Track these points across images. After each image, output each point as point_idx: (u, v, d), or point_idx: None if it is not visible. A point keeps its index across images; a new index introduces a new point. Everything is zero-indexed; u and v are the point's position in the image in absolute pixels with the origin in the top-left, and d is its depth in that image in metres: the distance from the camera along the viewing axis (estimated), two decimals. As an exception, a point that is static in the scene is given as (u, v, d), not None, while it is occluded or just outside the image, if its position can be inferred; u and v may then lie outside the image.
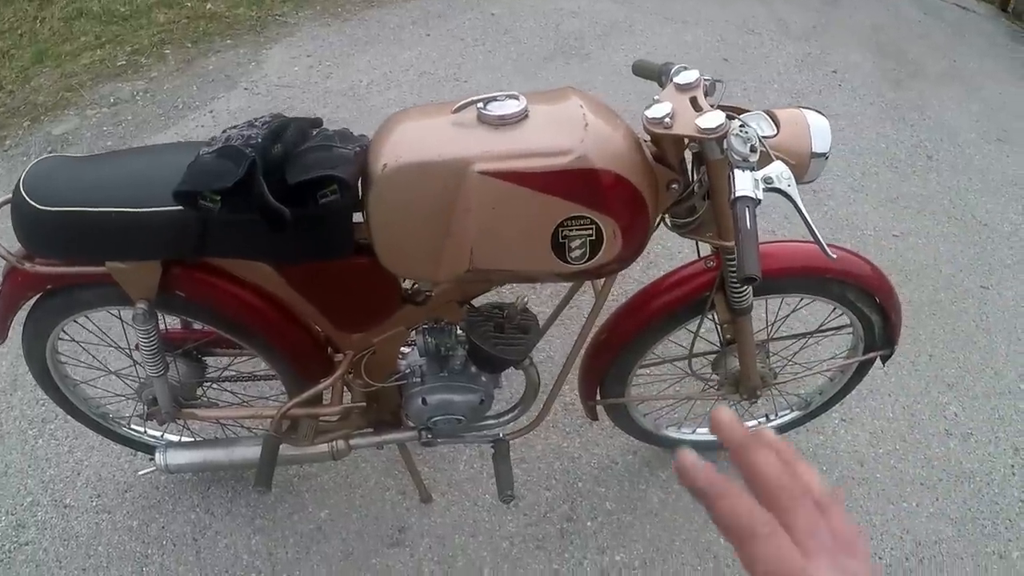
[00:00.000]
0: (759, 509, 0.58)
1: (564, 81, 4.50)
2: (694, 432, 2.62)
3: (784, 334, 2.34)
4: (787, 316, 2.30)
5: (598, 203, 1.54)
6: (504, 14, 5.31)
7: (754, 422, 2.61)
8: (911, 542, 2.46)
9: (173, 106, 4.42)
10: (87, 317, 2.03)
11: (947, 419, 2.83)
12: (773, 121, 1.71)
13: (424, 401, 2.02)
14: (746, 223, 1.41)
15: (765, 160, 1.52)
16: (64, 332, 2.07)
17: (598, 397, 2.30)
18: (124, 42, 5.01)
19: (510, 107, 1.54)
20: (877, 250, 3.47)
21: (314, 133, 1.67)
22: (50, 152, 3.99)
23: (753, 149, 1.49)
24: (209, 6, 5.33)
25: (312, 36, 5.07)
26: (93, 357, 2.34)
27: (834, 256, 1.60)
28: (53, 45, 4.99)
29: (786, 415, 2.59)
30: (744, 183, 1.45)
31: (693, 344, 2.15)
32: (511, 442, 2.26)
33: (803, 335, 2.34)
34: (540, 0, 5.48)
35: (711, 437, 2.58)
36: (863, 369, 2.37)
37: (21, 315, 1.99)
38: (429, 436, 2.17)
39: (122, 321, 2.11)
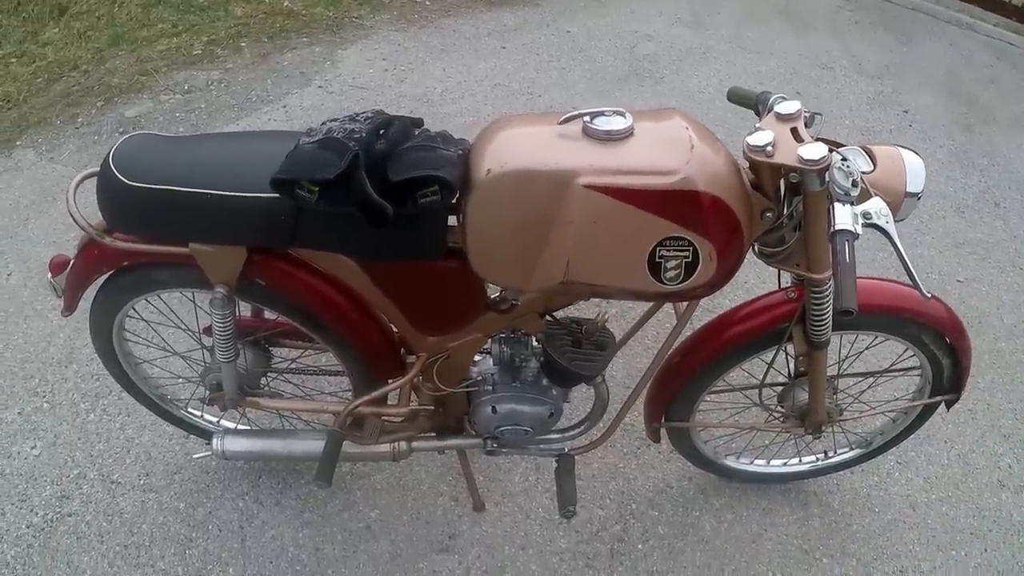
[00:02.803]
0: None
1: (638, 103, 4.49)
2: (751, 463, 2.59)
3: (853, 371, 2.31)
4: (860, 353, 2.27)
5: (698, 225, 1.53)
6: (580, 33, 5.30)
7: (812, 457, 2.58)
8: (958, 593, 2.42)
9: (247, 98, 4.46)
10: (159, 296, 2.04)
11: (1001, 470, 2.78)
12: (869, 157, 1.70)
13: (494, 410, 2.01)
14: (845, 257, 1.42)
15: (863, 196, 1.52)
16: (134, 310, 2.08)
17: (663, 420, 2.28)
18: (201, 32, 5.05)
19: (617, 123, 1.54)
20: (940, 295, 3.41)
21: (416, 132, 1.67)
22: (121, 132, 4.03)
23: (855, 184, 1.49)
24: (286, 3, 5.37)
25: (388, 40, 5.09)
26: (160, 336, 2.35)
27: (929, 296, 1.58)
28: (130, 30, 5.05)
29: (845, 453, 2.55)
30: (844, 217, 1.45)
31: (766, 374, 2.13)
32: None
33: (873, 373, 2.31)
34: (616, 22, 5.47)
35: (767, 469, 2.58)
36: (927, 413, 2.34)
37: (90, 291, 2.01)
38: (494, 445, 2.16)
39: (195, 303, 2.12)
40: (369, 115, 1.62)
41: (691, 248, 1.56)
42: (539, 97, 4.61)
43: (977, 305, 3.46)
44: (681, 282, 1.61)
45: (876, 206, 1.50)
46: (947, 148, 4.54)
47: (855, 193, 1.48)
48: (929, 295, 1.59)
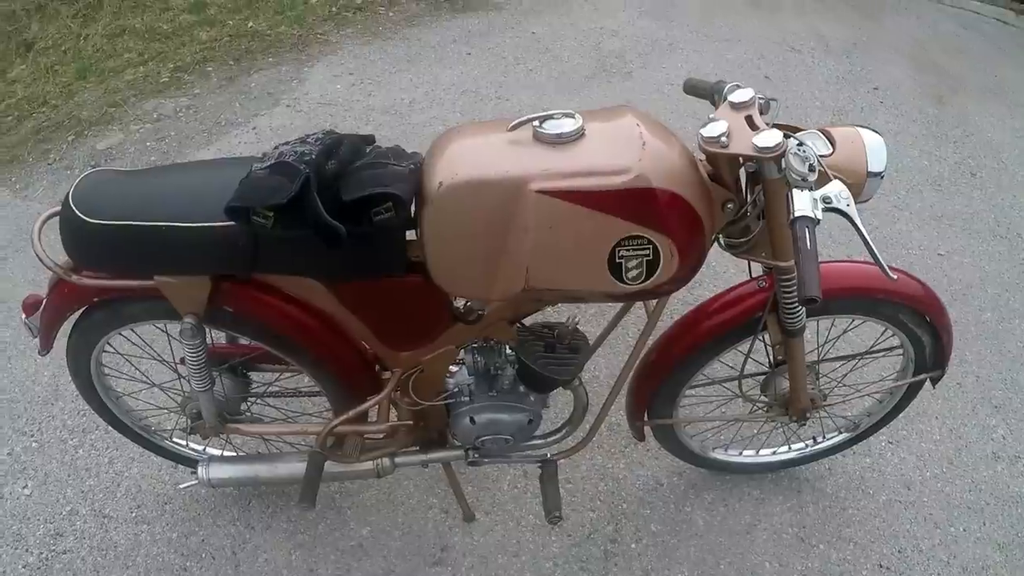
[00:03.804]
0: None
1: (607, 100, 4.49)
2: (740, 454, 2.59)
3: (834, 355, 2.30)
4: (838, 338, 2.27)
5: (656, 223, 1.52)
6: (545, 33, 5.30)
7: (801, 444, 2.58)
8: (958, 568, 2.41)
9: (216, 122, 4.45)
10: (132, 330, 2.02)
11: (994, 441, 2.78)
12: (828, 140, 1.69)
13: (472, 420, 2.00)
14: (806, 243, 1.40)
15: (822, 180, 1.51)
16: (109, 344, 2.07)
17: (646, 418, 2.27)
18: (167, 59, 5.03)
19: (567, 125, 1.53)
20: (922, 269, 3.42)
21: (367, 150, 1.66)
22: (94, 166, 4.01)
23: (812, 168, 1.48)
24: (251, 24, 5.36)
25: (354, 55, 5.08)
26: (137, 370, 2.34)
27: (894, 277, 1.58)
28: (97, 61, 5.03)
29: (833, 437, 2.55)
30: (803, 203, 1.44)
31: (744, 365, 2.12)
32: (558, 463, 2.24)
33: (853, 356, 2.30)
34: (580, 19, 5.48)
35: (756, 459, 2.57)
36: (913, 391, 2.33)
37: (66, 327, 1.99)
38: (476, 456, 2.16)
39: (168, 335, 2.11)
40: (319, 136, 1.61)
41: (651, 246, 1.55)
42: (507, 101, 4.61)
43: (960, 277, 3.46)
44: (644, 281, 1.60)
45: (835, 189, 1.48)
46: (920, 122, 4.55)
47: (813, 178, 1.47)
48: (894, 275, 1.58)
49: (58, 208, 1.73)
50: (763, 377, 2.25)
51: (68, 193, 1.69)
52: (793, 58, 5.15)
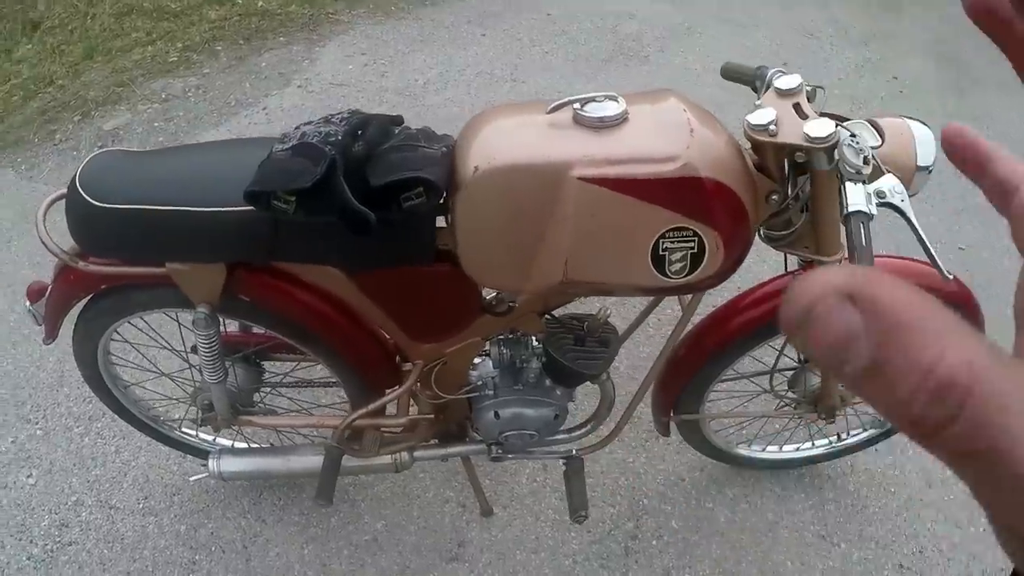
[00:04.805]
0: None
1: (625, 84, 4.42)
2: (764, 450, 2.53)
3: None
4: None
5: (703, 214, 1.45)
6: (561, 15, 5.23)
7: (825, 440, 2.53)
8: (977, 569, 2.37)
9: (225, 103, 4.38)
10: (141, 318, 1.96)
11: (1015, 441, 2.72)
12: (876, 131, 1.62)
13: (496, 415, 1.94)
14: (861, 240, 1.36)
15: (874, 173, 1.45)
16: (117, 333, 2.01)
17: (672, 414, 2.21)
18: (175, 38, 4.97)
19: (610, 108, 1.45)
20: (944, 263, 3.35)
21: (396, 131, 1.59)
22: (100, 147, 3.95)
23: (866, 161, 1.41)
24: (261, 3, 5.29)
25: (366, 34, 5.01)
26: (145, 358, 2.28)
27: (951, 277, 1.52)
28: (104, 41, 4.97)
29: (858, 434, 2.49)
30: (857, 197, 1.39)
31: (777, 361, 2.06)
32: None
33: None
34: (596, 1, 5.40)
35: (780, 456, 2.52)
36: (941, 390, 2.26)
37: (73, 313, 1.94)
38: (499, 451, 2.09)
39: (179, 323, 2.05)
40: (345, 116, 1.54)
41: (696, 238, 1.48)
42: (523, 83, 4.55)
43: (982, 271, 3.40)
44: (687, 275, 1.53)
45: (890, 183, 1.43)
46: (941, 114, 4.49)
47: (867, 171, 1.41)
48: (950, 276, 1.52)
49: (64, 191, 1.67)
50: (792, 373, 2.20)
51: (75, 175, 1.63)
52: (812, 45, 5.10)
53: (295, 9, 5.26)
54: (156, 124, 4.21)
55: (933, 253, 1.42)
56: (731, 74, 1.83)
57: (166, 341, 2.21)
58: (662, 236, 1.47)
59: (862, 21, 5.42)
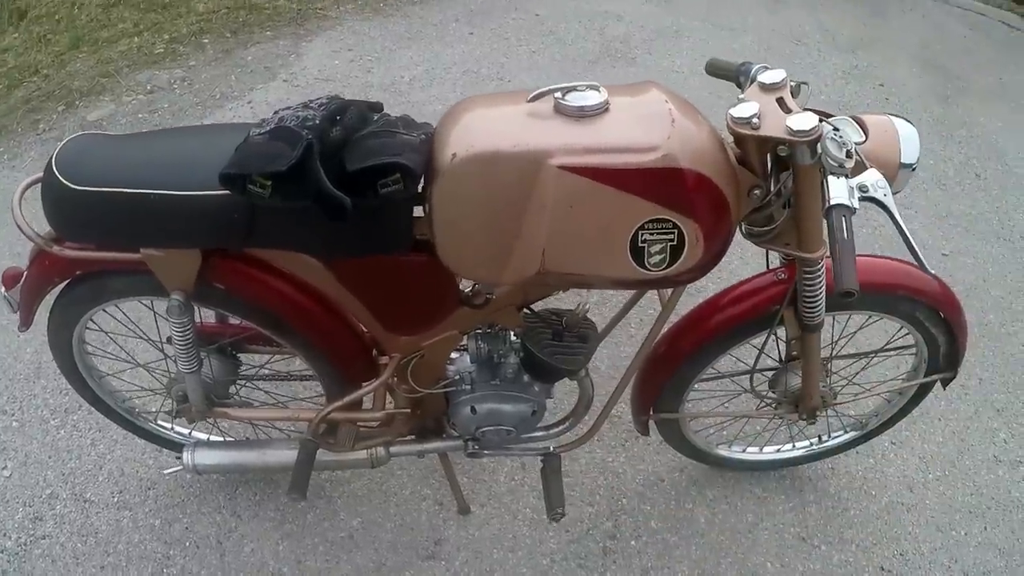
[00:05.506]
0: None
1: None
2: (744, 451, 2.52)
3: (847, 352, 2.23)
4: (853, 335, 2.20)
5: (683, 205, 1.44)
6: (548, 15, 5.24)
7: (806, 442, 2.51)
8: (959, 572, 2.36)
9: (211, 95, 4.36)
10: (117, 306, 1.94)
11: (996, 445, 2.74)
12: (860, 127, 1.62)
13: (473, 410, 1.92)
14: (843, 233, 1.36)
15: (857, 168, 1.45)
16: (92, 321, 1.99)
17: (651, 412, 2.20)
18: (162, 30, 4.95)
19: (591, 98, 1.45)
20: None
21: (375, 117, 1.57)
22: (82, 135, 3.93)
23: (849, 155, 1.41)
24: (249, -4, 5.28)
25: (353, 31, 5.01)
26: (122, 348, 2.26)
27: (934, 273, 1.51)
28: (90, 31, 4.94)
29: (839, 436, 2.49)
30: (839, 191, 1.39)
31: (758, 360, 2.05)
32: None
33: (867, 354, 2.24)
34: (585, 2, 5.42)
35: (760, 457, 2.52)
36: (923, 392, 2.27)
37: (48, 301, 1.91)
38: (476, 447, 2.07)
39: (154, 312, 2.02)
40: (323, 101, 1.52)
41: (676, 230, 1.47)
42: (509, 83, 4.55)
43: (964, 278, 3.43)
44: (666, 267, 1.52)
45: (872, 178, 1.44)
46: (925, 120, 4.53)
47: (850, 165, 1.41)
48: (932, 272, 1.52)
49: (41, 174, 1.64)
50: (773, 373, 2.18)
51: (51, 157, 1.61)
52: (799, 51, 5.13)
53: (283, 3, 5.25)
54: (141, 115, 4.19)
55: (916, 248, 1.42)
56: (716, 70, 1.83)
57: (142, 331, 2.19)
58: (641, 227, 1.46)
59: (849, 27, 5.46)
